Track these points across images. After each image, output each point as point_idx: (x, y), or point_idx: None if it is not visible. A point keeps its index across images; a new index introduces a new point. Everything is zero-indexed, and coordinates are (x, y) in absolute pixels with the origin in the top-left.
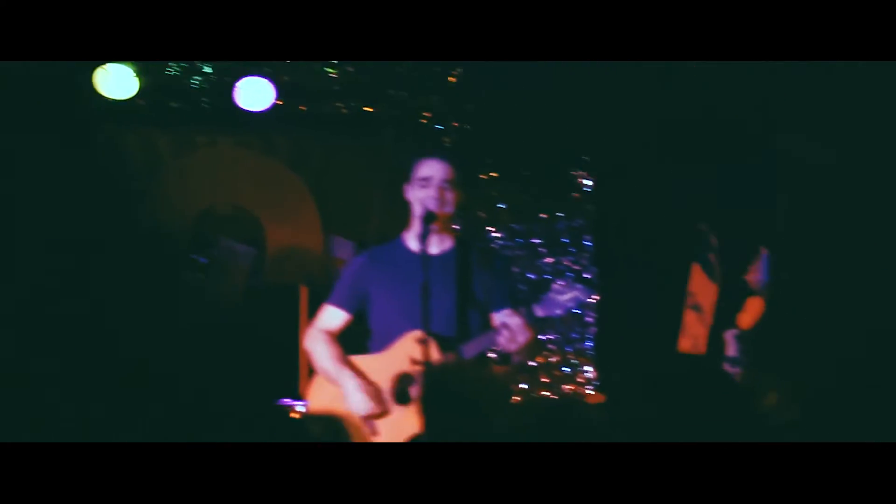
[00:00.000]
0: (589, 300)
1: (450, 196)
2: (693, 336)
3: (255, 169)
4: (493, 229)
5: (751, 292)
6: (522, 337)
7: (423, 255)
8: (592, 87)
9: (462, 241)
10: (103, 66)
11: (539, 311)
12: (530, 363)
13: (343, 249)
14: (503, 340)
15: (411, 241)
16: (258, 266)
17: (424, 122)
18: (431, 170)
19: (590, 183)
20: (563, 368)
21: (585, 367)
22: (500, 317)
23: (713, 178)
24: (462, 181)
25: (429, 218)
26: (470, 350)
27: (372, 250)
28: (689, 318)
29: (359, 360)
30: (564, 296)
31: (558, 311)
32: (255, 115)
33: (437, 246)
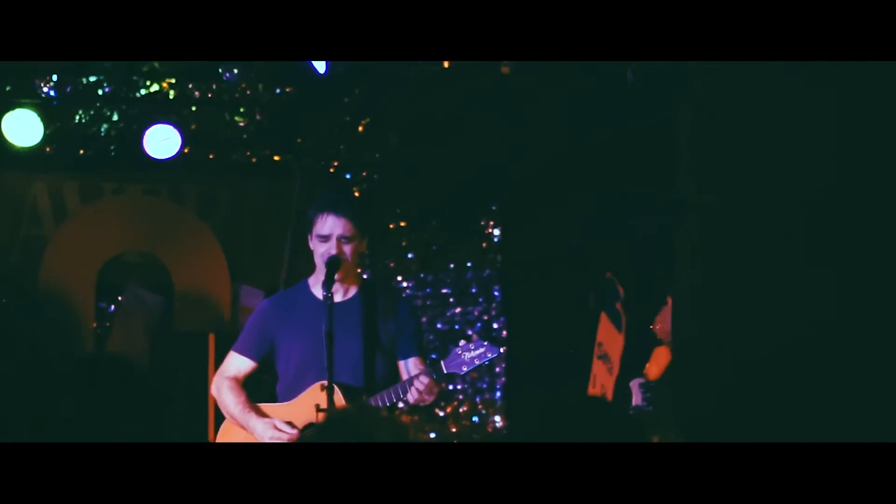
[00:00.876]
0: (496, 356)
1: (349, 249)
2: (601, 385)
3: (163, 216)
4: (402, 278)
5: (657, 342)
6: (431, 397)
7: (327, 303)
8: (499, 135)
9: (367, 287)
10: (10, 112)
11: (445, 368)
12: (439, 412)
13: (251, 298)
14: (412, 399)
15: (315, 288)
16: (166, 314)
17: (333, 171)
18: (329, 227)
19: (498, 232)
20: (473, 418)
21: (494, 417)
22: (407, 365)
23: (620, 226)
24: (363, 230)
25: (332, 266)
26: (377, 402)
27: (276, 296)
28: (597, 367)
29: (267, 408)
30: (471, 353)
31: (465, 369)
32: (162, 163)
33: (341, 293)
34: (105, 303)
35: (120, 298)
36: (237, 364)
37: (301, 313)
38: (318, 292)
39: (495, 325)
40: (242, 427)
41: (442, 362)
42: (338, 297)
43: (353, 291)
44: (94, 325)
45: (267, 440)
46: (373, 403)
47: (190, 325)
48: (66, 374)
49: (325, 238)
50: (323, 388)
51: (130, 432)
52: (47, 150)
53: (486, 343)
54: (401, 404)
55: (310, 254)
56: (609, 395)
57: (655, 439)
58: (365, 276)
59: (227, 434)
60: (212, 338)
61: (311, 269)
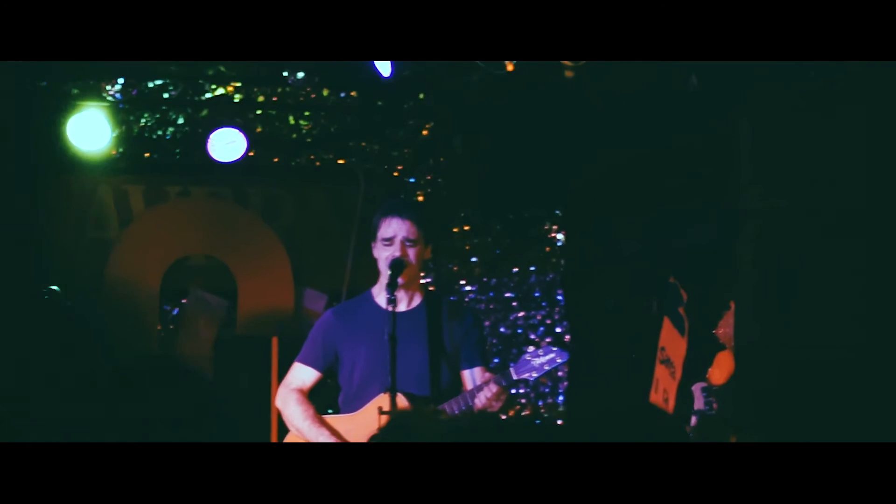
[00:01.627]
0: (565, 361)
1: (413, 253)
2: (663, 390)
3: (228, 220)
4: (465, 282)
5: (720, 346)
6: (499, 403)
7: (391, 305)
8: (563, 140)
9: (431, 297)
10: (77, 114)
11: (515, 374)
12: (501, 417)
13: (315, 301)
14: (479, 405)
15: (379, 297)
16: (230, 317)
17: (397, 174)
18: (393, 229)
19: (562, 237)
20: (535, 422)
21: (557, 421)
22: (473, 374)
23: (683, 230)
24: (427, 236)
25: (396, 267)
26: (448, 410)
27: (339, 306)
28: (660, 371)
29: (332, 420)
30: (541, 359)
31: (535, 374)
32: (227, 166)
33: (405, 302)
34: (170, 305)
35: (184, 301)
36: (302, 375)
37: (365, 323)
38: (382, 301)
39: (558, 330)
40: (308, 441)
41: (511, 368)
42: (402, 307)
43: (417, 300)
44: (159, 327)
45: None
46: (445, 410)
47: (253, 329)
48: (131, 376)
49: (389, 241)
50: (388, 399)
51: (192, 437)
52: (113, 153)
53: (555, 348)
54: (466, 410)
55: (373, 260)
56: (671, 400)
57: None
58: (430, 287)
59: None
60: (275, 341)
61: (374, 275)
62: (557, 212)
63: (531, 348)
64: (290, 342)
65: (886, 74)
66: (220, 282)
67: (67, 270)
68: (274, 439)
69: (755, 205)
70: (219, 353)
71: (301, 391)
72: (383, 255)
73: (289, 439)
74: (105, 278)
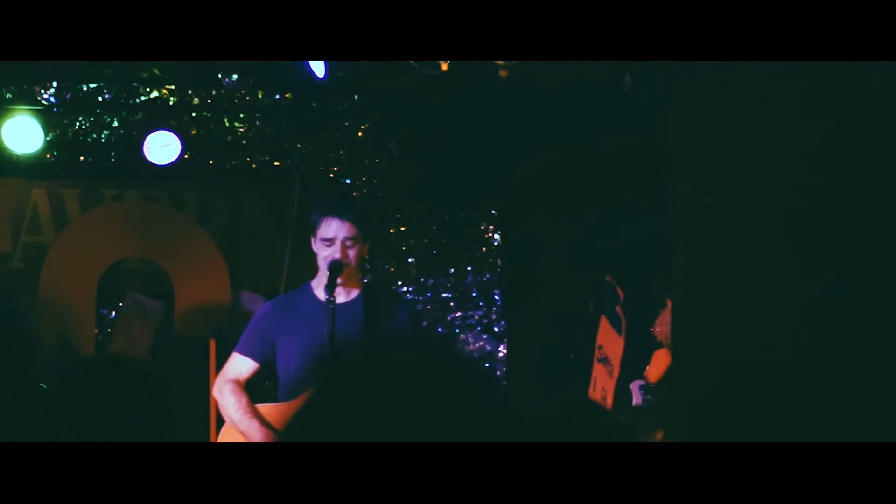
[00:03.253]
0: (497, 352)
1: (353, 253)
2: (601, 388)
3: (163, 223)
4: (402, 283)
5: (658, 344)
6: None
7: (329, 305)
8: (498, 141)
9: (368, 290)
10: (10, 119)
11: None
12: None
13: (252, 303)
14: None
15: (318, 290)
16: (167, 320)
17: (332, 176)
18: (333, 230)
19: (498, 237)
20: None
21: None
22: None
23: (618, 229)
24: (366, 234)
25: (335, 269)
26: None
27: (278, 298)
28: (598, 370)
29: (266, 409)
30: (470, 348)
31: None
32: (162, 169)
33: (343, 295)
34: (106, 309)
35: (121, 305)
36: (239, 366)
37: (303, 316)
38: (321, 294)
39: (496, 329)
40: (241, 433)
41: None
42: (340, 300)
43: (354, 294)
44: (96, 331)
45: None
46: None
47: (191, 331)
48: (68, 379)
49: (329, 241)
50: None
51: (130, 436)
52: (47, 156)
53: (485, 336)
54: None
55: (310, 259)
56: (610, 398)
57: (659, 436)
58: (366, 280)
59: (227, 438)
60: (213, 343)
61: (312, 274)
62: (493, 212)
63: (461, 337)
64: (228, 344)
65: (821, 65)
66: (156, 285)
67: (1, 275)
68: (212, 437)
69: (688, 202)
70: (156, 355)
71: (237, 381)
72: (323, 253)
73: (224, 430)
74: (40, 283)
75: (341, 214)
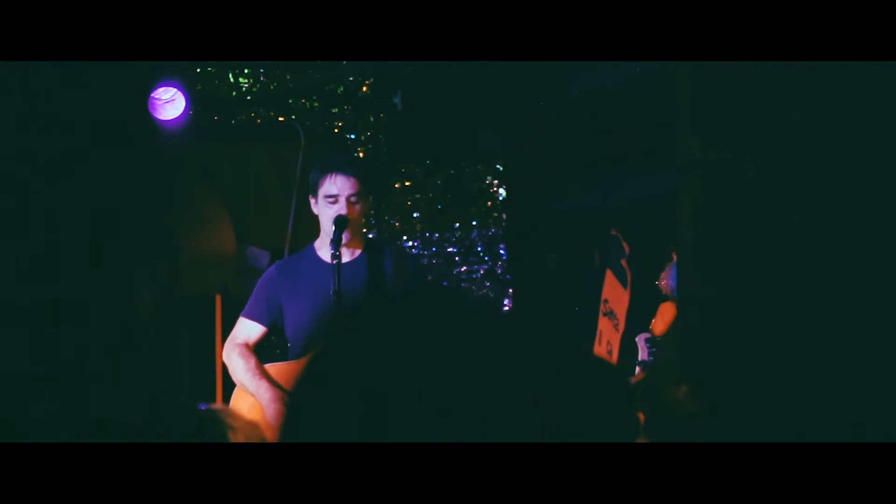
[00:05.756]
0: (502, 306)
1: (358, 209)
2: (606, 342)
3: (169, 179)
4: (407, 238)
5: (663, 298)
6: None
7: (335, 261)
8: (505, 93)
9: (372, 245)
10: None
11: None
12: None
13: (258, 259)
14: None
15: (322, 251)
16: (172, 277)
17: (337, 131)
18: (337, 186)
19: (503, 192)
20: None
21: None
22: None
23: (624, 183)
24: (369, 190)
25: (340, 224)
26: None
27: (282, 261)
28: (603, 324)
29: (275, 368)
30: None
31: None
32: (167, 125)
33: (348, 254)
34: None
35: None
36: (247, 330)
37: (308, 277)
38: (325, 255)
39: (501, 283)
40: (252, 395)
41: None
42: (345, 258)
43: (358, 252)
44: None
45: (271, 412)
46: None
47: (197, 288)
48: (74, 340)
49: (333, 198)
50: None
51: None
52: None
53: (488, 284)
54: None
55: (314, 216)
56: (615, 352)
57: (683, 390)
58: (371, 236)
59: (238, 401)
60: (218, 300)
61: (316, 231)
62: (499, 167)
63: (464, 286)
64: (234, 300)
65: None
66: (162, 241)
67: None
68: (218, 398)
69: (695, 156)
70: (162, 312)
71: (246, 345)
72: (327, 212)
73: (236, 394)
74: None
75: (345, 170)
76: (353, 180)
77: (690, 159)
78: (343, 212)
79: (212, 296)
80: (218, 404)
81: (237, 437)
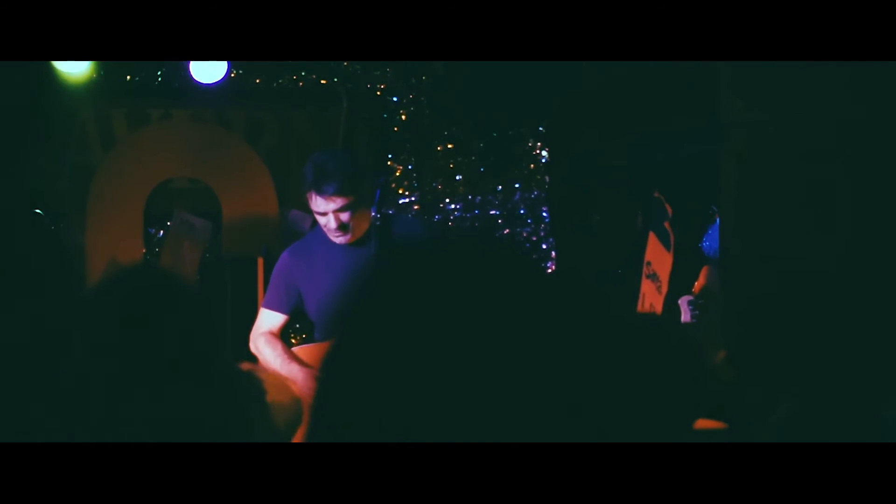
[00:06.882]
0: (546, 268)
1: (347, 216)
2: (649, 304)
3: (211, 142)
4: (450, 201)
5: (706, 260)
6: None
7: (376, 222)
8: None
9: (381, 221)
10: None
11: None
12: None
13: (300, 222)
14: None
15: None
16: (215, 239)
17: (379, 94)
18: (322, 206)
19: (546, 154)
20: None
21: None
22: None
23: (666, 144)
24: (358, 194)
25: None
26: None
27: (294, 245)
28: (646, 286)
29: (305, 350)
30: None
31: None
32: (209, 88)
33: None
34: (154, 229)
35: (169, 224)
36: (269, 320)
37: (323, 258)
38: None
39: (543, 247)
40: (286, 379)
41: None
42: (346, 240)
43: (364, 226)
44: (144, 250)
45: (306, 390)
46: None
47: (239, 250)
48: (116, 296)
49: (321, 214)
50: None
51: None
52: (95, 76)
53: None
54: None
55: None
56: (658, 314)
57: (722, 355)
58: (415, 206)
59: (274, 390)
60: (261, 262)
61: None
62: (541, 129)
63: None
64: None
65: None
66: (204, 204)
67: (50, 195)
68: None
69: (737, 117)
70: (204, 274)
71: (271, 332)
72: (321, 220)
73: (269, 381)
74: (88, 203)
75: (323, 192)
76: (335, 198)
77: (733, 120)
78: (333, 225)
79: (254, 258)
80: (255, 364)
81: (274, 397)
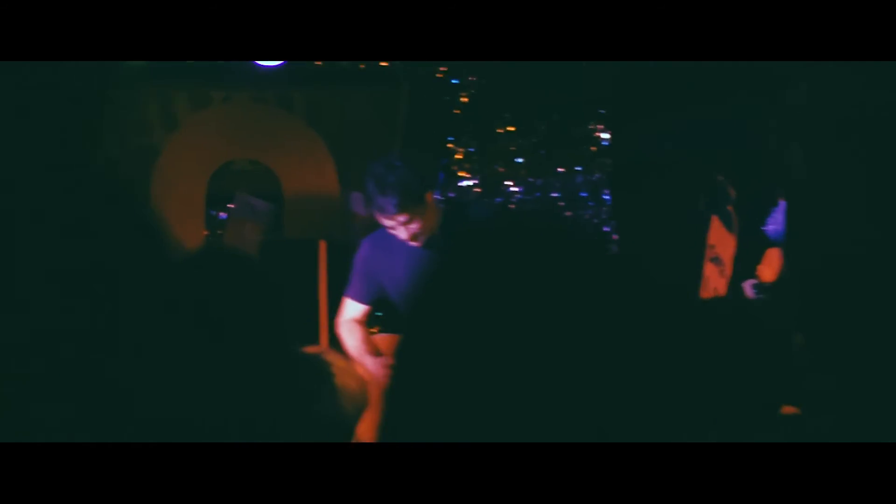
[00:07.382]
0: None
1: (415, 226)
2: (713, 288)
3: (272, 124)
4: (512, 183)
5: (770, 244)
6: None
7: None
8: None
9: (447, 212)
10: None
11: None
12: None
13: (361, 204)
14: None
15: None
16: (276, 221)
17: (440, 76)
18: (388, 221)
19: (607, 136)
20: None
21: None
22: None
23: (730, 128)
24: (416, 203)
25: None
26: None
27: (374, 234)
28: (709, 270)
29: (384, 340)
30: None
31: None
32: (270, 71)
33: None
34: (216, 210)
35: (230, 206)
36: (353, 310)
37: (400, 247)
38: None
39: (606, 229)
40: (364, 366)
41: None
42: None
43: (434, 220)
44: (206, 232)
45: (377, 377)
46: None
47: (300, 233)
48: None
49: (390, 227)
50: None
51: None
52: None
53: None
54: None
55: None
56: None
57: (799, 340)
58: (476, 188)
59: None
60: (322, 245)
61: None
62: (602, 111)
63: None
64: (338, 245)
65: None
66: (265, 186)
67: (111, 179)
68: (323, 343)
69: (803, 100)
70: (265, 257)
71: (354, 320)
72: (388, 224)
73: (336, 365)
74: (151, 185)
75: (385, 210)
76: (398, 216)
77: (797, 102)
78: (403, 236)
79: (315, 240)
80: (320, 347)
81: (341, 381)
